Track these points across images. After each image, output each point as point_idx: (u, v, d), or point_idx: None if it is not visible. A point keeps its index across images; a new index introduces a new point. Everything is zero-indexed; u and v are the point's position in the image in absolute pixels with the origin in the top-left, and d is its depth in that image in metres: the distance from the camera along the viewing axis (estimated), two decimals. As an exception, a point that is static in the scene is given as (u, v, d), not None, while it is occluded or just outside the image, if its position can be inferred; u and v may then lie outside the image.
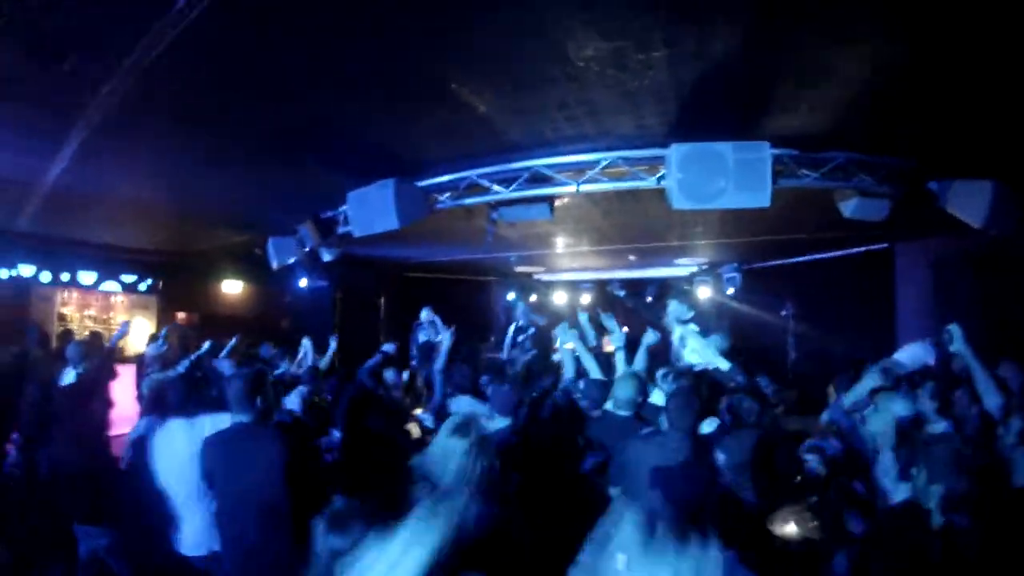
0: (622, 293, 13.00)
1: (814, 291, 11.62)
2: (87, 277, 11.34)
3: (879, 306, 10.97)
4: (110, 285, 11.75)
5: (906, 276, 10.75)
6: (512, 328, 12.00)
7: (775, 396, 6.42)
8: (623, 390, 4.77)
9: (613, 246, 10.58)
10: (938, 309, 9.59)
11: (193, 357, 7.51)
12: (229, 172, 6.83)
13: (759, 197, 4.93)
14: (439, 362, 6.93)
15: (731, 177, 4.87)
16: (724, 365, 5.80)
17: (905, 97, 4.69)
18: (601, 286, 14.49)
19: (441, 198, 6.51)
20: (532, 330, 11.29)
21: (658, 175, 5.45)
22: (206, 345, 7.68)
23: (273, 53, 4.07)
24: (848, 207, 6.25)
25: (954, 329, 4.42)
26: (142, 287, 12.14)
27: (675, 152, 4.93)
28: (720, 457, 4.06)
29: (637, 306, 12.69)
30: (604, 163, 5.58)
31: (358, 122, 5.40)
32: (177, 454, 4.09)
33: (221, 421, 4.05)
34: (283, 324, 12.92)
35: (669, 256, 12.21)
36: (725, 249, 11.35)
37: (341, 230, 7.74)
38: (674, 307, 8.50)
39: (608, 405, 4.90)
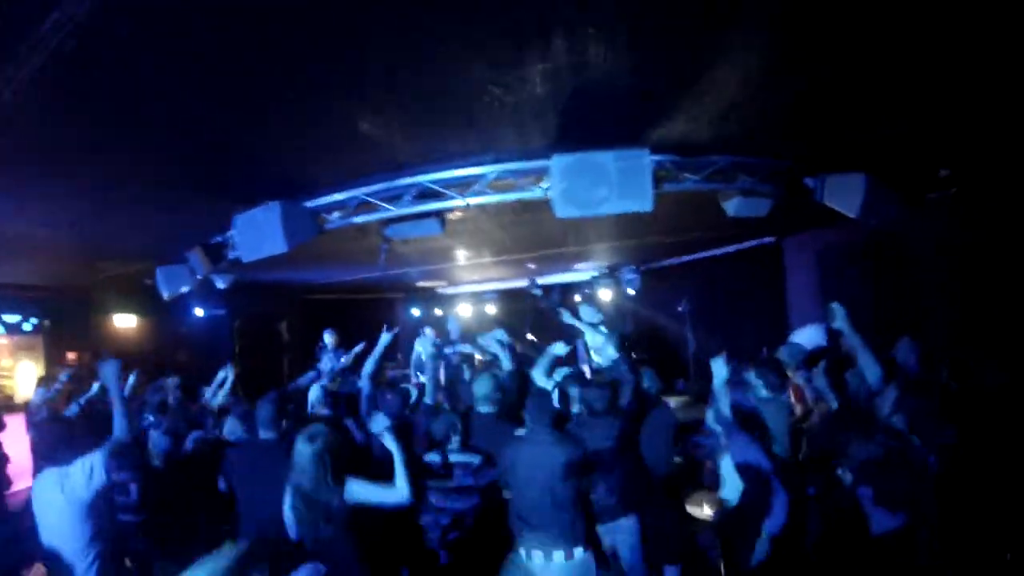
0: (539, 292, 13.02)
1: (709, 287, 11.95)
2: None
3: (771, 297, 11.37)
4: None
5: (795, 268, 11.15)
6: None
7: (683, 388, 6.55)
8: (480, 387, 5.09)
9: (512, 256, 10.53)
10: (825, 297, 9.96)
11: (82, 401, 7.19)
12: (107, 202, 6.34)
13: (642, 202, 4.94)
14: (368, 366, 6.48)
15: (614, 184, 4.85)
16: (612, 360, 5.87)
17: (778, 102, 4.80)
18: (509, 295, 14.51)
19: (330, 218, 6.25)
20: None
21: (544, 185, 5.39)
22: (95, 387, 7.28)
23: (145, 78, 3.73)
24: (731, 206, 6.41)
25: (836, 308, 4.69)
26: (27, 327, 11.21)
27: (557, 163, 4.88)
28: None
29: (552, 307, 12.78)
30: (491, 176, 5.47)
31: (240, 144, 5.09)
32: (53, 506, 3.79)
33: (92, 461, 3.83)
34: (180, 357, 12.18)
35: (568, 262, 12.28)
36: (622, 252, 11.50)
37: (231, 255, 7.32)
38: (584, 311, 8.56)
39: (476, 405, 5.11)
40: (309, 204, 6.21)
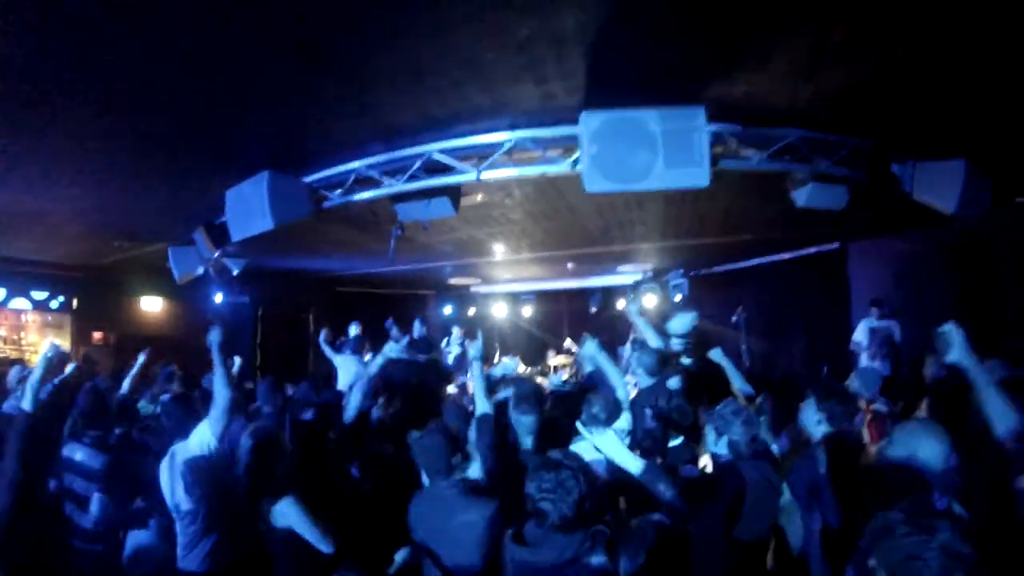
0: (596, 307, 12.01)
1: (764, 296, 10.59)
2: None
3: (832, 309, 10.02)
4: (20, 303, 10.45)
5: (860, 277, 9.81)
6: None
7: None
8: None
9: (549, 252, 9.37)
10: (896, 310, 8.65)
11: (58, 381, 6.20)
12: (111, 177, 5.69)
13: (695, 175, 3.74)
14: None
15: (658, 151, 3.67)
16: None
17: (871, 64, 3.70)
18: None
19: (330, 196, 5.23)
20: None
21: (573, 157, 4.23)
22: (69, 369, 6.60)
23: (145, 40, 3.22)
24: (802, 195, 5.19)
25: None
26: (53, 304, 10.80)
27: (586, 122, 3.71)
28: None
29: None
30: (508, 145, 4.34)
31: (233, 114, 4.33)
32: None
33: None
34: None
35: (611, 263, 11.04)
36: (669, 254, 10.24)
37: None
38: (677, 321, 7.12)
39: None
40: (305, 180, 5.24)
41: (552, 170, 4.31)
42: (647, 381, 5.26)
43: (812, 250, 10.31)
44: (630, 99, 3.72)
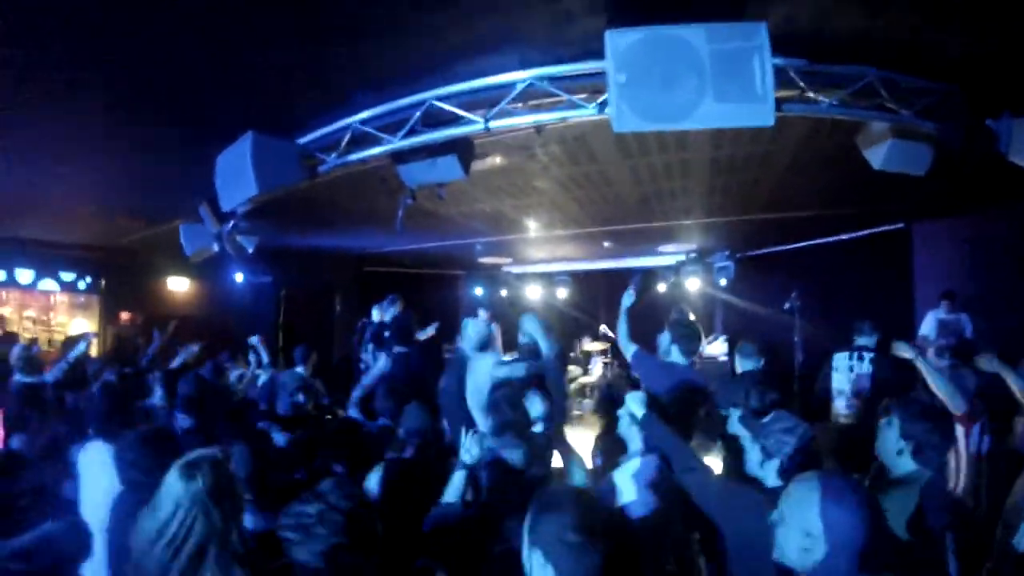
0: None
1: (819, 281, 9.50)
2: (24, 275, 9.95)
3: (894, 297, 8.90)
4: (48, 284, 10.26)
5: (926, 262, 8.68)
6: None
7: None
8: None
9: (582, 229, 8.45)
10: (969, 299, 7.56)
11: (71, 358, 6.27)
12: (116, 156, 5.46)
13: (755, 111, 2.80)
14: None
15: (707, 80, 2.75)
16: None
17: None
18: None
19: (327, 159, 4.47)
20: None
21: (601, 99, 3.35)
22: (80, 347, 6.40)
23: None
24: (878, 154, 4.20)
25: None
26: (81, 285, 10.60)
27: (614, 41, 2.79)
28: None
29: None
30: (520, 86, 3.47)
31: (214, 70, 3.79)
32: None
33: None
34: (228, 322, 10.94)
35: (651, 242, 10.05)
36: (715, 233, 9.22)
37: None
38: None
39: None
40: (299, 142, 4.50)
41: (575, 115, 3.42)
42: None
43: (872, 231, 9.20)
44: (668, 14, 2.81)
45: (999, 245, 7.53)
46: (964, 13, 3.19)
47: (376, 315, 8.79)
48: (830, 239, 9.62)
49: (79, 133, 4.83)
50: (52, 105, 4.23)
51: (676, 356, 4.38)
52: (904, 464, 2.56)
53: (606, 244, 9.93)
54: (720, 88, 2.75)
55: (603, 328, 11.39)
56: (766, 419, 2.65)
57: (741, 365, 5.01)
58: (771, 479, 2.52)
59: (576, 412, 10.47)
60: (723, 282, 10.44)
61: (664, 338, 5.48)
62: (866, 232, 9.22)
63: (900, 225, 8.91)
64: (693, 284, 10.85)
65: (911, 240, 8.88)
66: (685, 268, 10.84)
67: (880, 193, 6.67)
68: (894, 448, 2.58)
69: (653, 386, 3.96)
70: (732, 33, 2.78)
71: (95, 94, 4.07)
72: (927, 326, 7.61)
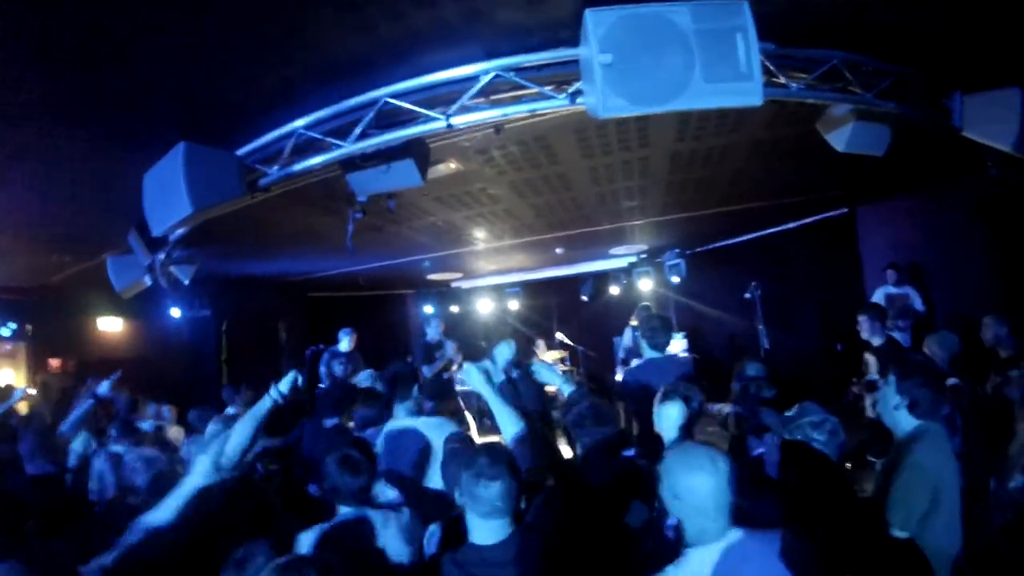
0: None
1: (769, 272, 9.60)
2: None
3: (841, 279, 9.09)
4: None
5: (871, 241, 8.88)
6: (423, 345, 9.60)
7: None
8: None
9: (535, 237, 8.23)
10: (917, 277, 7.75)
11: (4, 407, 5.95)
12: (26, 179, 4.76)
13: (744, 90, 2.63)
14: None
15: (694, 58, 2.56)
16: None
17: None
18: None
19: (269, 171, 4.08)
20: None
21: (572, 89, 3.12)
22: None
23: None
24: (841, 137, 4.22)
25: None
26: (5, 332, 9.65)
27: (595, 21, 2.55)
28: None
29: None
30: (484, 78, 3.21)
31: (134, 70, 3.26)
32: None
33: None
34: (166, 364, 10.26)
35: (602, 245, 9.93)
36: (666, 231, 9.15)
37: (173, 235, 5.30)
38: None
39: None
40: (238, 152, 4.10)
41: (545, 107, 3.17)
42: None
43: (818, 217, 9.36)
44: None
45: (939, 220, 7.76)
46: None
47: (344, 342, 8.36)
48: (778, 228, 9.72)
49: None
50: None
51: (648, 352, 4.28)
52: (904, 420, 2.68)
53: (558, 251, 9.75)
54: (708, 67, 2.57)
55: (559, 335, 11.20)
56: (791, 412, 2.60)
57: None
58: None
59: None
60: (675, 280, 10.40)
61: (628, 338, 5.40)
62: (812, 219, 9.36)
63: (844, 210, 9.08)
64: (646, 285, 10.78)
65: (855, 223, 9.09)
66: (637, 269, 10.77)
67: (826, 180, 6.75)
68: (892, 403, 2.71)
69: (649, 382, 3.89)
70: (716, 12, 2.61)
71: (7, 119, 3.59)
72: (876, 300, 7.75)
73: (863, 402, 5.11)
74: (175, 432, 6.84)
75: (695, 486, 1.95)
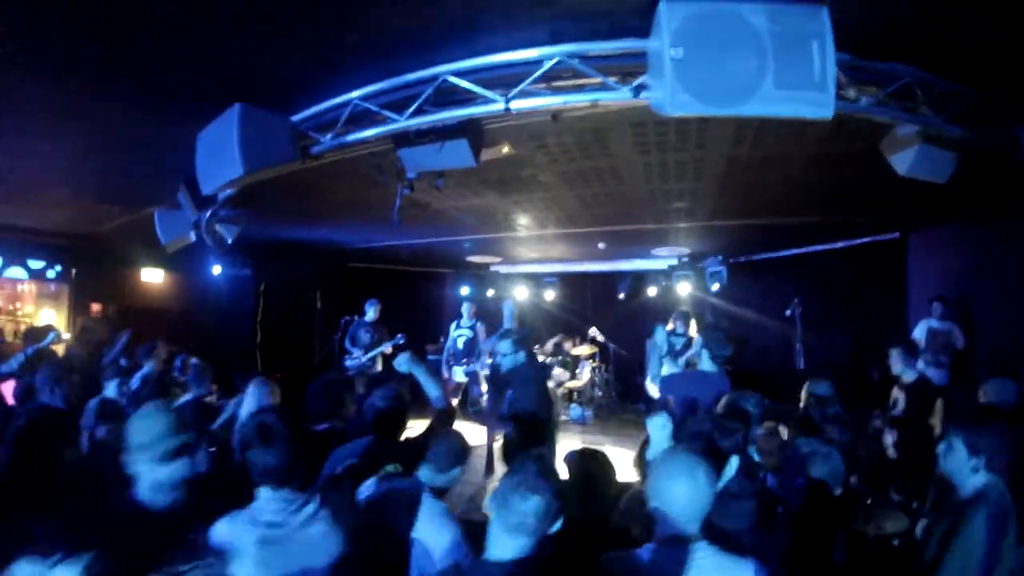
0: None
1: (811, 289, 9.39)
2: None
3: (888, 306, 8.84)
4: (16, 272, 9.55)
5: (920, 270, 8.62)
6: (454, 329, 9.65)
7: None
8: None
9: (581, 229, 8.15)
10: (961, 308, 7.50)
11: (30, 351, 6.06)
12: (84, 133, 4.88)
13: (816, 101, 2.52)
14: None
15: (768, 62, 2.47)
16: None
17: None
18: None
19: (322, 139, 4.10)
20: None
21: (636, 83, 3.05)
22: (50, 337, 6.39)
23: None
24: (904, 160, 3.99)
25: None
26: (50, 274, 9.90)
27: (669, 13, 2.48)
28: None
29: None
30: (547, 63, 3.16)
31: (197, 34, 3.28)
32: None
33: None
34: (204, 318, 10.47)
35: (646, 244, 9.80)
36: (710, 237, 9.01)
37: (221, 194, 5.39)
38: None
39: None
40: (293, 118, 4.12)
41: (608, 98, 3.09)
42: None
43: (867, 240, 9.10)
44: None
45: (993, 255, 7.48)
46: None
47: (370, 312, 8.65)
48: (825, 246, 9.49)
49: (49, 109, 4.34)
50: (20, 79, 3.78)
51: (707, 363, 4.23)
52: (976, 479, 2.62)
53: (601, 245, 9.65)
54: (780, 73, 2.46)
55: (592, 331, 11.13)
56: None
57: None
58: None
59: (563, 417, 10.20)
60: (715, 287, 10.24)
61: (661, 339, 5.35)
62: (861, 241, 9.11)
63: (895, 235, 8.82)
64: (684, 288, 10.63)
65: (906, 249, 8.82)
66: (677, 272, 10.63)
67: (881, 201, 6.54)
68: (968, 466, 2.62)
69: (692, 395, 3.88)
70: (793, 15, 2.50)
71: (65, 65, 3.62)
72: (918, 333, 7.57)
73: (882, 436, 4.95)
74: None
75: (672, 492, 2.07)
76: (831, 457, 3.21)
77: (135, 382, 5.76)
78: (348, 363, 8.66)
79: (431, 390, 3.90)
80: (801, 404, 4.20)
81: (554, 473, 2.15)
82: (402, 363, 4.03)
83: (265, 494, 2.26)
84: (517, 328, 8.92)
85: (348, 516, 2.39)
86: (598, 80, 3.10)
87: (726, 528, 2.41)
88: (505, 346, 5.08)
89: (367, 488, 2.82)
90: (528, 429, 4.71)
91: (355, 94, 3.77)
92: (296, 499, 2.28)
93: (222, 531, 2.18)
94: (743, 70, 2.45)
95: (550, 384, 10.25)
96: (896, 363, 5.25)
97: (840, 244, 9.40)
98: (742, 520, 2.56)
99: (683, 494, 2.06)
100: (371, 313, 8.84)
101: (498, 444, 5.10)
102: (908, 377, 5.16)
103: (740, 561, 2.06)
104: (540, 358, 10.61)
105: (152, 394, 5.49)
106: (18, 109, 4.32)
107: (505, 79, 3.29)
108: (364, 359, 8.60)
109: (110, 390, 5.21)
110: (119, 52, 3.46)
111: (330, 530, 2.28)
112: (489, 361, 6.09)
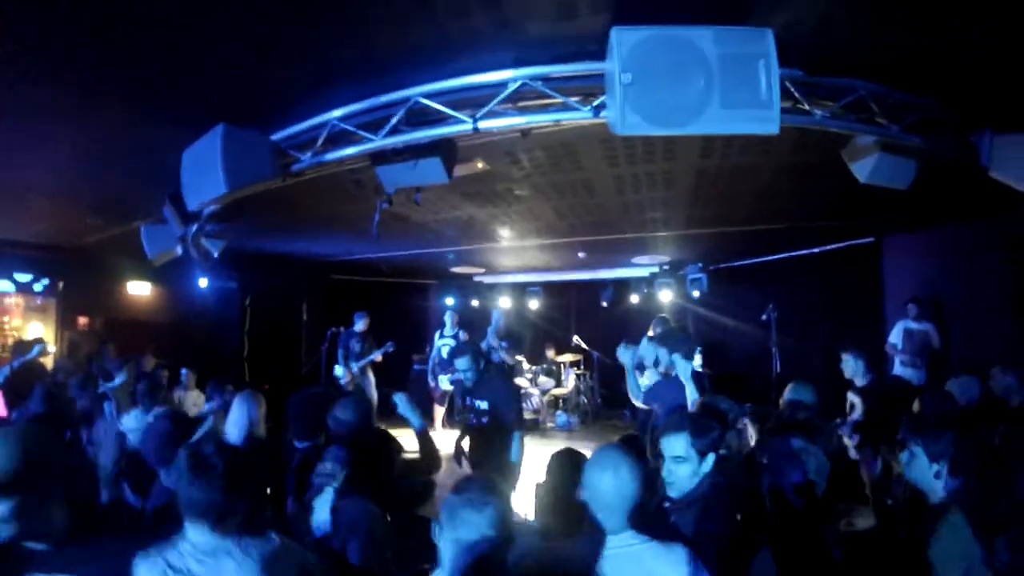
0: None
1: (790, 294, 9.57)
2: None
3: (865, 309, 9.02)
4: (3, 284, 9.64)
5: (896, 273, 8.82)
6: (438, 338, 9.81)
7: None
8: None
9: (559, 239, 8.32)
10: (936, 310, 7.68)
11: (16, 364, 6.26)
12: (68, 146, 4.98)
13: (761, 118, 2.70)
14: None
15: (715, 84, 2.64)
16: None
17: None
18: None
19: (302, 157, 4.24)
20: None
21: (596, 103, 3.21)
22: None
23: None
24: (864, 168, 4.18)
25: None
26: (38, 287, 9.96)
27: (620, 39, 2.64)
28: None
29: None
30: (512, 85, 3.32)
31: (183, 53, 3.43)
32: None
33: None
34: (191, 331, 10.54)
35: (625, 253, 9.98)
36: (689, 245, 9.18)
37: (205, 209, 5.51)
38: None
39: None
40: (273, 137, 4.25)
41: (569, 118, 3.27)
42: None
43: (842, 244, 9.30)
44: (672, 14, 2.69)
45: (966, 256, 7.67)
46: (954, 26, 3.16)
47: (359, 325, 8.86)
48: (803, 252, 9.68)
49: (38, 122, 4.45)
50: (7, 92, 3.89)
51: (681, 367, 4.37)
52: (941, 485, 2.65)
53: (581, 255, 9.82)
54: (727, 93, 2.63)
55: (575, 339, 11.28)
56: None
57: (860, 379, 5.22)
58: None
59: (549, 424, 10.33)
60: (696, 294, 10.42)
61: (644, 349, 5.43)
62: (837, 246, 9.30)
63: (870, 239, 9.02)
64: (666, 296, 10.81)
65: (881, 253, 9.02)
66: (657, 280, 10.80)
67: (854, 207, 6.72)
68: (930, 472, 2.66)
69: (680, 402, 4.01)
70: (739, 37, 2.67)
71: (56, 81, 3.75)
72: (895, 335, 7.75)
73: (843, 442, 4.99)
74: (194, 396, 7.12)
75: (598, 482, 2.19)
76: (817, 455, 3.27)
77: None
78: (339, 372, 8.84)
79: (422, 441, 3.81)
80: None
81: (501, 491, 2.12)
82: (401, 404, 3.87)
83: (190, 532, 2.01)
84: (489, 335, 9.16)
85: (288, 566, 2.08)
86: (560, 101, 3.27)
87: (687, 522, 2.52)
88: (463, 363, 4.95)
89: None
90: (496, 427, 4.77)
91: (333, 114, 3.92)
92: (220, 544, 2.00)
93: (138, 569, 1.94)
94: (690, 91, 2.62)
95: (533, 390, 10.42)
96: (847, 367, 5.31)
97: (817, 249, 9.60)
98: (710, 519, 2.62)
99: (608, 486, 2.17)
100: (360, 324, 9.10)
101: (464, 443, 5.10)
102: (861, 381, 5.21)
103: (671, 549, 2.15)
104: (526, 366, 10.78)
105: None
106: (12, 121, 4.43)
107: (473, 100, 3.46)
108: (355, 368, 8.79)
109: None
110: (109, 70, 3.60)
111: None
112: (453, 380, 6.00)
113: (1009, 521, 2.51)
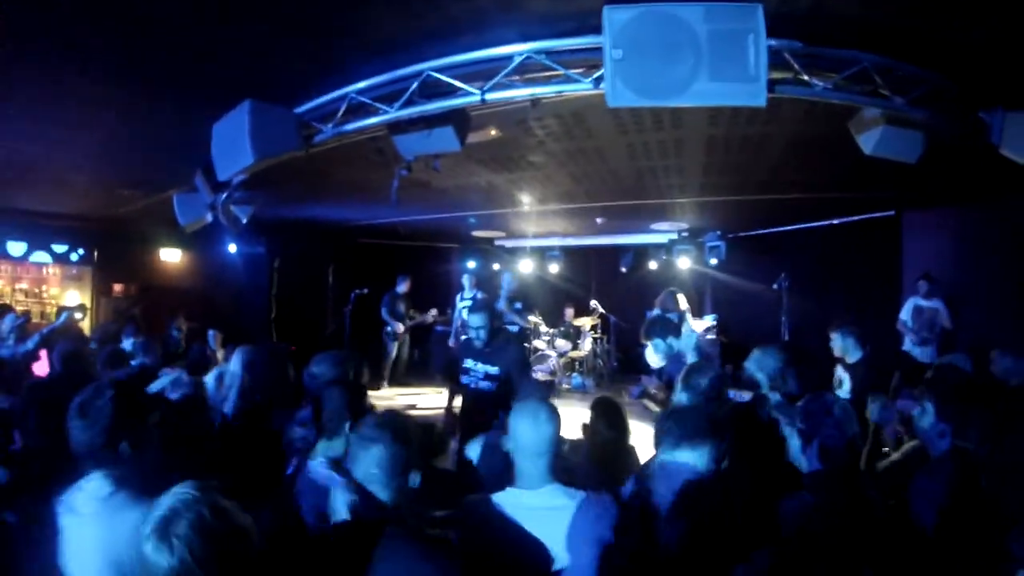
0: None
1: (808, 264, 9.62)
2: (16, 248, 9.97)
3: (882, 283, 9.03)
4: (41, 256, 10.28)
5: (914, 248, 8.78)
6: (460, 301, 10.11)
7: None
8: None
9: (576, 204, 8.48)
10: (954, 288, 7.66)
11: (46, 331, 6.42)
12: (105, 123, 5.30)
13: (748, 91, 2.85)
14: None
15: (703, 56, 2.80)
16: None
17: None
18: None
19: (323, 129, 4.48)
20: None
21: (596, 75, 3.38)
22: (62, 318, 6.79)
23: None
24: (870, 140, 4.20)
25: None
26: (74, 257, 10.62)
27: (611, 17, 2.82)
28: None
29: None
30: (517, 59, 3.50)
31: (211, 35, 3.68)
32: None
33: None
34: (221, 295, 10.99)
35: (643, 219, 10.10)
36: (708, 212, 9.28)
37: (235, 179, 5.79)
38: None
39: None
40: (297, 111, 4.50)
41: (571, 89, 3.45)
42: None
43: (863, 217, 9.28)
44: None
45: (986, 236, 7.64)
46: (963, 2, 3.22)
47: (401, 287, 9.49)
48: (821, 223, 9.70)
49: (73, 99, 4.73)
50: (44, 70, 4.16)
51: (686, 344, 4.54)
52: (944, 443, 2.76)
53: (599, 220, 9.97)
54: (715, 67, 2.79)
55: (593, 303, 11.48)
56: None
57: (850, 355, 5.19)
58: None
59: (565, 386, 10.61)
60: (714, 261, 10.51)
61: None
62: (857, 218, 9.30)
63: (891, 213, 9.00)
64: (684, 263, 10.92)
65: (900, 228, 9.00)
66: (676, 247, 10.91)
67: (871, 180, 6.73)
68: (935, 432, 2.79)
69: None
70: (729, 13, 2.81)
71: (90, 59, 4.00)
72: (905, 311, 7.73)
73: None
74: (221, 356, 7.50)
75: (519, 431, 2.32)
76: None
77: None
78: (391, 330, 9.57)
79: None
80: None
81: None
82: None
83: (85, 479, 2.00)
84: (501, 298, 9.45)
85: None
86: (562, 73, 3.44)
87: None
88: (477, 319, 4.74)
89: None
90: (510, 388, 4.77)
91: (351, 88, 4.14)
92: (103, 485, 1.96)
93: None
94: (680, 66, 2.79)
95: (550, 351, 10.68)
96: (835, 346, 5.32)
97: (836, 221, 9.60)
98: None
99: (526, 432, 2.30)
100: (403, 286, 10.02)
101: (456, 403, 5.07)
102: (852, 357, 5.23)
103: (574, 495, 2.26)
104: (543, 329, 11.03)
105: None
106: (52, 102, 4.76)
107: (482, 73, 3.65)
108: (401, 330, 9.39)
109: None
110: (145, 57, 3.91)
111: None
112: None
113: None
